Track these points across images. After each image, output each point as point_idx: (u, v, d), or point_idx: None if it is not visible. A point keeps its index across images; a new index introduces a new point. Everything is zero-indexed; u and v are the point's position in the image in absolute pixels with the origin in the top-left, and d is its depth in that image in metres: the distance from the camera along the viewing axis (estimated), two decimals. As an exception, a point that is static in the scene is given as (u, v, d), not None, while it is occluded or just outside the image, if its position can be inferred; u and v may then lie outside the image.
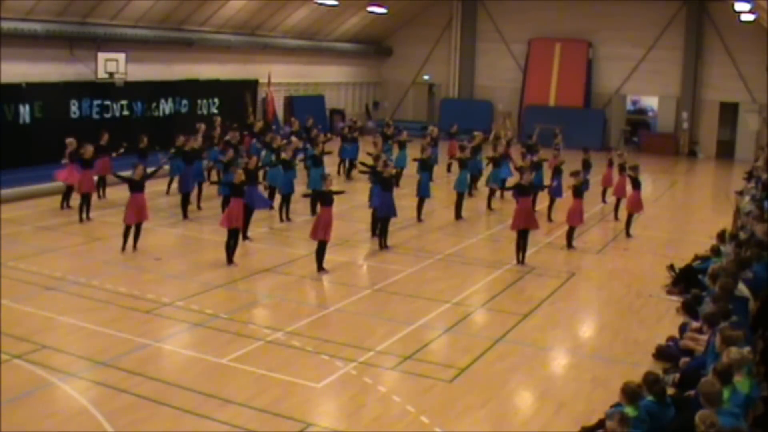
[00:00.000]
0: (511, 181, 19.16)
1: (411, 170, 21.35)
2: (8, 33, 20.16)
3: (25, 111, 21.17)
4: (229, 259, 13.85)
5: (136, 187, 14.39)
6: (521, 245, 14.65)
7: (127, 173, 14.87)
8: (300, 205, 18.28)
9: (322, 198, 13.70)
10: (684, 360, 9.19)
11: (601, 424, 7.32)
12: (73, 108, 22.74)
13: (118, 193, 17.42)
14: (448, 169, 24.59)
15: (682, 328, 10.34)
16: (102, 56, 22.61)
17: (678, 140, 33.99)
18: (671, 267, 13.90)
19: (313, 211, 16.83)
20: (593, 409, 8.29)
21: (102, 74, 22.65)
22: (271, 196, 18.09)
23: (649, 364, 9.68)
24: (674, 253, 15.25)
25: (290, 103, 32.85)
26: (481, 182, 21.25)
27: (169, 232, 16.40)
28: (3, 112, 20.59)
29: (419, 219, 18.03)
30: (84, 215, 16.68)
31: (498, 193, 20.08)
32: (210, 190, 18.79)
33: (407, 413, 8.36)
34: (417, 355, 10.02)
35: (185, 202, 17.48)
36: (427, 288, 13.04)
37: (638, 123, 35.25)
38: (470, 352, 10.16)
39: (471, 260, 15.00)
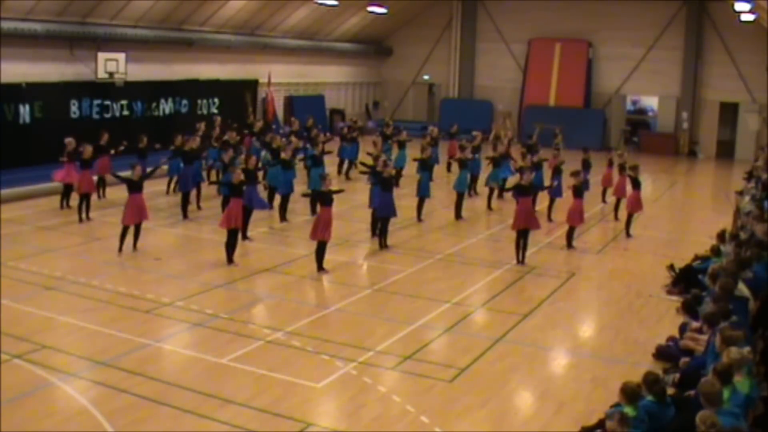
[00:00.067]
0: (511, 181, 19.16)
1: (411, 170, 21.35)
2: (8, 33, 20.15)
3: (25, 111, 21.15)
4: (229, 259, 13.85)
5: (135, 187, 14.36)
6: (521, 245, 14.66)
7: (126, 173, 14.85)
8: (300, 205, 18.27)
9: (321, 198, 13.69)
10: (684, 360, 9.19)
11: (600, 424, 7.32)
12: (73, 108, 22.72)
13: (118, 193, 17.38)
14: (448, 169, 24.62)
15: (682, 328, 10.34)
16: (102, 56, 22.60)
17: (678, 140, 33.97)
18: (671, 267, 13.90)
19: (313, 211, 16.85)
20: (593, 409, 8.28)
21: (102, 74, 22.64)
22: (272, 196, 18.09)
23: (649, 364, 9.68)
24: (674, 253, 15.25)
25: (290, 103, 32.86)
26: (481, 183, 21.23)
27: (168, 232, 16.41)
28: (3, 112, 20.57)
29: (419, 219, 18.03)
30: (84, 215, 16.69)
31: (497, 193, 20.08)
32: (210, 189, 18.79)
33: (407, 413, 8.36)
34: (417, 355, 10.02)
35: (185, 202, 17.48)
36: (427, 288, 13.03)
37: (638, 123, 35.18)
38: (470, 352, 10.16)
39: (471, 260, 15.00)
